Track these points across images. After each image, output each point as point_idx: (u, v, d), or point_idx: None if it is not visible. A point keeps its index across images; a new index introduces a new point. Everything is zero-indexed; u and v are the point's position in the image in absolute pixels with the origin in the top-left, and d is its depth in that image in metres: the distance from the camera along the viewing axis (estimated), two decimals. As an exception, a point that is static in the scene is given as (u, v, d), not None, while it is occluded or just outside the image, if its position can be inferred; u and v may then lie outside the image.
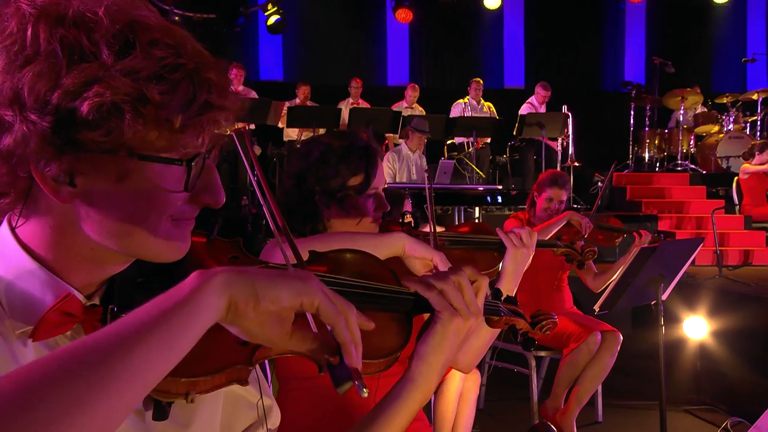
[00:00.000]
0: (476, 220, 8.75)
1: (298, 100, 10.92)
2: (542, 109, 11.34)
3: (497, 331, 1.98)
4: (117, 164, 0.90)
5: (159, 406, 0.99)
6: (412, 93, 11.40)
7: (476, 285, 1.28)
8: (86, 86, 0.86)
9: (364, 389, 0.93)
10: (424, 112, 11.23)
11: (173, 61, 0.90)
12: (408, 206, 3.71)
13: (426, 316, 1.25)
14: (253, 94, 10.38)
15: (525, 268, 2.32)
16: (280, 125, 10.29)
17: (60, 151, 0.88)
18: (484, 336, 2.10)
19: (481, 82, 11.49)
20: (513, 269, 2.27)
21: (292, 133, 10.47)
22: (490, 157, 11.28)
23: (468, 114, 11.09)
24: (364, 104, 11.32)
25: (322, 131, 9.38)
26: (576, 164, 10.83)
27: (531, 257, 2.32)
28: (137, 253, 0.98)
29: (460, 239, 2.39)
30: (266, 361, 1.72)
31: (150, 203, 0.94)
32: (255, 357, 0.99)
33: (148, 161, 0.92)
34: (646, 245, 4.53)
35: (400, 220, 2.61)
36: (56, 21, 0.88)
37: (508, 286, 2.25)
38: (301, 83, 11.19)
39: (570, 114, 10.92)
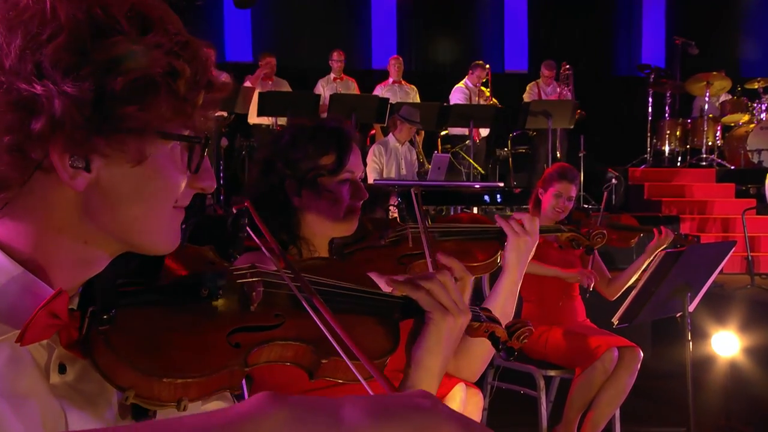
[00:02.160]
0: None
1: (262, 74, 10.63)
2: (550, 91, 11.38)
3: None
4: (140, 145, 0.97)
5: (142, 417, 1.02)
6: (395, 63, 11.26)
7: (461, 283, 1.48)
8: (119, 61, 0.93)
9: None
10: (416, 89, 11.19)
11: (183, 38, 1.00)
12: (392, 200, 3.71)
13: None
14: (225, 77, 10.27)
15: (529, 259, 2.34)
16: (250, 119, 10.22)
17: (96, 131, 0.93)
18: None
19: (488, 66, 11.43)
20: (516, 260, 2.29)
21: (264, 119, 10.34)
22: (490, 150, 11.28)
23: (474, 100, 11.06)
24: (349, 80, 11.24)
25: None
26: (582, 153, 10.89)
27: (535, 246, 2.35)
28: (137, 242, 1.04)
29: (453, 230, 2.40)
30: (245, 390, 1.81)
31: (164, 187, 1.03)
32: (250, 358, 1.08)
33: (172, 140, 1.01)
34: (666, 246, 4.56)
35: (389, 215, 2.63)
36: None
37: (512, 278, 2.28)
38: (266, 55, 10.87)
39: (571, 69, 10.94)
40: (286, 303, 1.16)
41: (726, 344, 5.58)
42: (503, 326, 1.60)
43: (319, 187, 2.19)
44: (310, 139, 2.21)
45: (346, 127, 2.27)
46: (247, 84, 10.17)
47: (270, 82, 10.70)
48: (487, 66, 11.41)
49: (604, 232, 3.06)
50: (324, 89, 10.78)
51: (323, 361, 1.17)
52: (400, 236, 2.36)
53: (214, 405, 1.18)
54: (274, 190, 2.21)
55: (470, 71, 11.28)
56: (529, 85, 11.71)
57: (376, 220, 2.48)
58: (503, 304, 2.18)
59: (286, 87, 10.85)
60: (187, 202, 1.08)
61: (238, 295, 1.14)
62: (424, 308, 1.34)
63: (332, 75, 11.18)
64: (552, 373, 4.78)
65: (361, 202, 2.23)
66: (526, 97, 11.45)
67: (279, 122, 10.10)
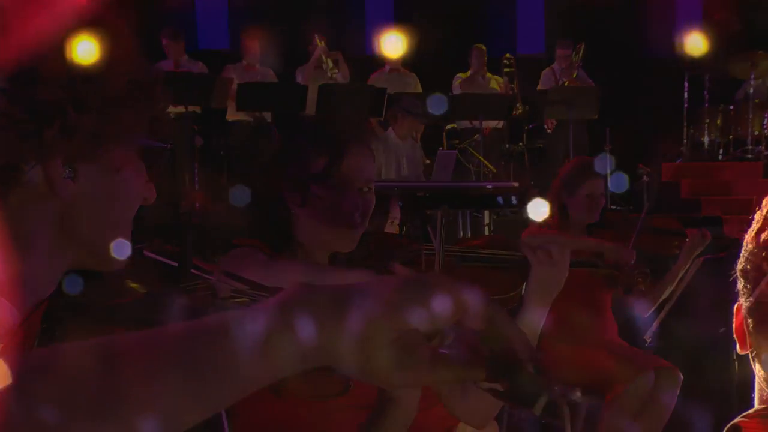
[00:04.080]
0: (485, 228, 8.77)
1: (245, 62, 10.66)
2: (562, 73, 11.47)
3: None
4: (125, 150, 1.08)
5: None
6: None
7: None
8: (113, 66, 1.04)
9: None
10: (416, 78, 11.21)
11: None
12: (395, 212, 3.70)
13: None
14: (199, 67, 10.34)
15: (555, 293, 2.25)
16: (228, 116, 10.25)
17: (99, 137, 1.02)
18: None
19: (484, 48, 11.47)
20: (539, 294, 2.21)
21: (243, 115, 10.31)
22: (506, 145, 11.29)
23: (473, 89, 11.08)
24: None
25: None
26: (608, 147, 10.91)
27: (563, 280, 2.26)
28: (102, 254, 1.11)
29: (471, 254, 2.39)
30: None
31: (134, 195, 1.13)
32: None
33: (147, 145, 1.12)
34: (704, 249, 4.54)
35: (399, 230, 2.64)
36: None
37: (534, 316, 2.20)
38: (245, 36, 10.78)
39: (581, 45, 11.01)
40: None
41: (778, 363, 5.57)
42: None
43: (308, 192, 2.19)
44: (303, 139, 2.24)
45: (347, 128, 2.27)
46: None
47: (253, 71, 10.68)
48: (483, 47, 11.45)
49: (647, 270, 2.97)
50: (310, 87, 10.72)
51: None
52: (412, 257, 2.34)
53: None
54: (269, 190, 2.24)
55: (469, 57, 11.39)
56: (543, 72, 11.69)
57: (386, 236, 2.48)
58: None
59: (271, 78, 10.83)
60: (134, 212, 1.16)
61: (192, 312, 1.19)
62: None
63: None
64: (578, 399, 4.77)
65: (359, 213, 2.20)
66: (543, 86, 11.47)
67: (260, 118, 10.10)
